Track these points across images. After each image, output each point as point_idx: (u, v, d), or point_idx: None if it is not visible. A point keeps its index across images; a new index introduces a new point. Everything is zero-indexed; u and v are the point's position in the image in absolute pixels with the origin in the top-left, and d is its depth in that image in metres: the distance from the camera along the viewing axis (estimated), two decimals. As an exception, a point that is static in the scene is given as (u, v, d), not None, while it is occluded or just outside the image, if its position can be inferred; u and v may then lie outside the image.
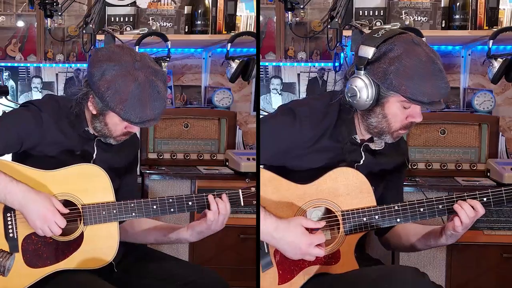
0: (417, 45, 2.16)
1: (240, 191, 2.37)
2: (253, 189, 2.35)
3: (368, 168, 2.31)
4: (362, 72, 2.18)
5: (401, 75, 2.13)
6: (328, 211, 2.26)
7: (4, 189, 2.20)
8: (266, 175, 2.23)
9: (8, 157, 2.39)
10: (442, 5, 3.36)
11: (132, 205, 2.34)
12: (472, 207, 2.16)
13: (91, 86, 2.29)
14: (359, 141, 2.30)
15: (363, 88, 2.18)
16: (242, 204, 2.37)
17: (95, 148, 2.41)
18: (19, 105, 2.59)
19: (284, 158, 2.29)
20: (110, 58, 2.27)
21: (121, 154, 2.50)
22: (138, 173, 3.38)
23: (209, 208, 2.33)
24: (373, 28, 3.10)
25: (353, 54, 2.31)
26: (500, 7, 3.32)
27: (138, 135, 3.41)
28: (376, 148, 2.31)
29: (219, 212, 2.32)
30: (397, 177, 2.44)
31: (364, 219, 2.23)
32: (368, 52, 2.16)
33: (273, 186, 2.22)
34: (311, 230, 2.20)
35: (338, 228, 2.24)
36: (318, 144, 2.27)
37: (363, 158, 2.30)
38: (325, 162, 2.27)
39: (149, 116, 2.26)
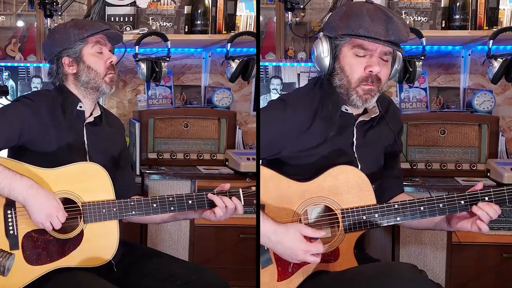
0: (366, 3, 2.25)
1: (240, 190, 2.37)
2: (253, 188, 2.35)
3: (364, 144, 2.33)
4: (321, 33, 2.30)
5: (344, 15, 2.22)
6: (328, 208, 2.26)
7: (9, 185, 2.22)
8: (266, 173, 2.23)
9: (3, 154, 2.39)
10: (442, 5, 3.37)
11: (132, 203, 2.35)
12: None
13: (62, 45, 2.48)
14: (350, 112, 2.30)
15: (319, 45, 2.27)
16: (243, 203, 2.37)
17: (85, 132, 2.45)
18: (11, 101, 2.60)
19: (281, 149, 2.29)
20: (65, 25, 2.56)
21: (110, 138, 2.55)
22: (138, 173, 3.39)
23: (214, 206, 2.35)
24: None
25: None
26: (500, 7, 3.33)
27: (138, 135, 3.44)
28: (372, 116, 2.31)
29: (226, 208, 2.34)
30: (395, 147, 2.44)
31: (364, 217, 2.22)
32: (326, 17, 2.31)
33: (273, 183, 2.22)
34: (309, 238, 2.18)
35: (338, 226, 2.24)
36: (312, 127, 2.27)
37: (355, 137, 2.31)
38: (321, 148, 2.27)
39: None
